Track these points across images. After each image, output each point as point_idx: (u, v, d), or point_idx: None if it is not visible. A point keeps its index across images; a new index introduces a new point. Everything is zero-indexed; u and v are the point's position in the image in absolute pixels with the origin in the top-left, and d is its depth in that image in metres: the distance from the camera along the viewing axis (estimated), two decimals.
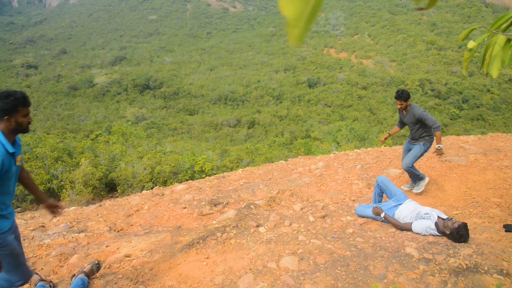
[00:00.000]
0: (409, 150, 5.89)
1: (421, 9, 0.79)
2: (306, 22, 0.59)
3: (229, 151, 22.39)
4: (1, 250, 2.71)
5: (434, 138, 5.58)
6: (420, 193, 5.80)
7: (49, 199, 3.21)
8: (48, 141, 13.78)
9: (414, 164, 5.83)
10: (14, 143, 2.77)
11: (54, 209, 3.19)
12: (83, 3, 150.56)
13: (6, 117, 2.60)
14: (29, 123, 2.74)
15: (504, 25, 1.28)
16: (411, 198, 5.44)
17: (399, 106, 5.62)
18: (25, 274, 2.96)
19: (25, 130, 2.73)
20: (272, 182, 7.56)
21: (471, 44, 1.39)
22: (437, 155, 5.57)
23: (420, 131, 5.68)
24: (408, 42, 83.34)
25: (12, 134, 2.70)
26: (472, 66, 70.77)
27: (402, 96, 5.47)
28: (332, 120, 48.56)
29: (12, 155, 2.71)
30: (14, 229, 2.84)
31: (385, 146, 13.22)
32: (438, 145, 5.45)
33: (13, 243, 2.78)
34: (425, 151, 5.71)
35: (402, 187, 6.19)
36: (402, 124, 6.02)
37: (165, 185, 10.77)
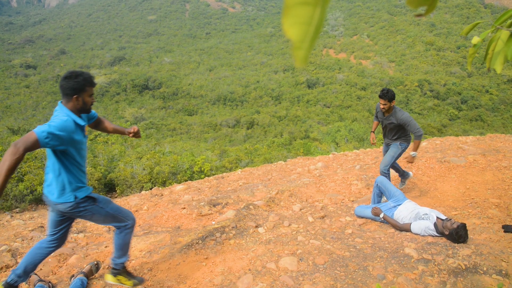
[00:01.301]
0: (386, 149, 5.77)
1: (420, 15, 0.80)
2: (310, 43, 0.60)
3: (228, 151, 22.37)
4: (100, 203, 3.02)
5: (412, 143, 5.41)
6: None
7: (126, 129, 3.49)
8: None
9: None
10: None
11: (136, 134, 3.44)
12: (82, 4, 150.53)
13: (75, 96, 2.76)
14: (92, 103, 2.90)
15: (509, 20, 1.28)
16: (410, 199, 5.45)
17: (382, 106, 5.23)
18: (128, 212, 3.21)
19: (88, 110, 2.91)
20: (271, 183, 7.56)
21: (475, 39, 1.40)
22: (408, 161, 5.39)
23: (397, 133, 5.46)
24: (407, 42, 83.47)
25: (77, 113, 2.86)
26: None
27: (387, 95, 5.11)
28: (331, 120, 48.57)
29: (82, 129, 2.90)
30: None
31: None
32: (413, 153, 5.28)
33: (102, 196, 3.10)
34: (403, 150, 5.52)
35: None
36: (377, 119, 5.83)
37: (164, 186, 10.76)
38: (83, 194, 2.93)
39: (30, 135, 2.50)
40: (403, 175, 6.06)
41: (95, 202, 2.99)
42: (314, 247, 4.03)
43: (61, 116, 2.72)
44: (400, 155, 5.53)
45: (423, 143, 10.27)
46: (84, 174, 3.00)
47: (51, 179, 2.87)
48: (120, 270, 3.26)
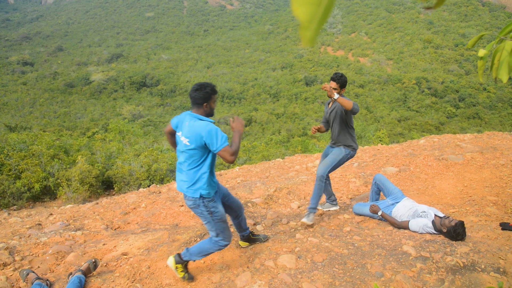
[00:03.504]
0: (326, 153, 4.94)
1: (429, 8, 0.79)
2: (318, 24, 0.60)
3: None
4: (214, 216, 3.31)
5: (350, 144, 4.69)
6: (311, 225, 4.64)
7: None
8: (45, 138, 13.72)
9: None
10: None
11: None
12: (79, 0, 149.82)
13: (205, 104, 3.26)
14: (214, 108, 3.39)
15: None
16: (408, 196, 5.46)
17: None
18: (229, 235, 3.48)
19: (213, 114, 3.38)
20: (269, 180, 7.56)
21: (481, 52, 1.40)
22: (328, 89, 4.30)
23: (344, 132, 4.66)
24: (405, 40, 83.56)
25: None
26: (468, 65, 71.03)
27: (340, 79, 4.40)
28: None
29: None
30: (219, 195, 3.51)
31: (382, 144, 13.25)
32: (337, 95, 4.29)
33: (222, 209, 3.40)
34: (347, 158, 4.72)
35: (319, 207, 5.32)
36: (327, 123, 4.90)
37: (162, 183, 10.75)
38: (206, 195, 3.27)
39: (224, 151, 3.10)
40: (331, 198, 5.22)
41: (212, 214, 3.32)
42: (313, 245, 4.03)
43: (208, 122, 3.19)
44: (342, 162, 4.73)
45: (421, 141, 10.28)
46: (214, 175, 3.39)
47: (188, 177, 3.27)
48: (183, 262, 3.51)
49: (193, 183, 3.24)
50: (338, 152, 4.68)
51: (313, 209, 4.66)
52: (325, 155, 4.96)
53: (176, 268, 3.49)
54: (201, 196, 3.24)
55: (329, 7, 0.59)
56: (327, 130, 4.93)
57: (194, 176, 3.23)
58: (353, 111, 4.29)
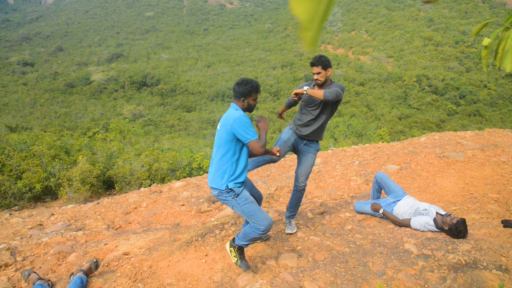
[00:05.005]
0: (289, 141, 4.32)
1: (428, 2, 0.77)
2: (320, 23, 0.55)
3: None
4: (240, 199, 3.39)
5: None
6: (295, 233, 4.40)
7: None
8: (45, 139, 13.72)
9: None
10: None
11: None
12: (79, 0, 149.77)
13: (242, 99, 3.42)
14: (255, 105, 3.52)
15: None
16: (409, 194, 5.45)
17: (316, 77, 4.04)
18: (264, 218, 3.39)
19: (251, 110, 3.53)
20: (270, 179, 7.55)
21: (486, 41, 1.38)
22: (295, 92, 4.07)
23: (324, 122, 4.24)
24: (405, 38, 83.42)
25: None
26: (469, 62, 70.91)
27: (320, 60, 3.97)
28: None
29: None
30: (246, 185, 3.62)
31: (382, 142, 13.23)
32: (307, 88, 4.02)
33: (247, 193, 3.47)
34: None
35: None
36: (292, 103, 4.39)
37: (163, 183, 10.75)
38: (233, 185, 3.38)
39: (254, 143, 3.29)
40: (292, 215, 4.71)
41: (235, 197, 3.39)
42: (314, 243, 4.03)
43: (240, 113, 3.35)
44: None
45: (422, 139, 10.26)
46: (245, 167, 3.50)
47: (217, 166, 3.42)
48: (236, 247, 3.59)
49: (221, 173, 3.37)
50: (314, 155, 4.34)
51: (292, 216, 4.54)
52: (287, 140, 4.32)
53: (230, 251, 3.62)
54: (227, 187, 3.35)
55: (330, 4, 0.55)
56: (289, 108, 4.48)
57: (221, 166, 3.38)
58: (326, 99, 3.88)
